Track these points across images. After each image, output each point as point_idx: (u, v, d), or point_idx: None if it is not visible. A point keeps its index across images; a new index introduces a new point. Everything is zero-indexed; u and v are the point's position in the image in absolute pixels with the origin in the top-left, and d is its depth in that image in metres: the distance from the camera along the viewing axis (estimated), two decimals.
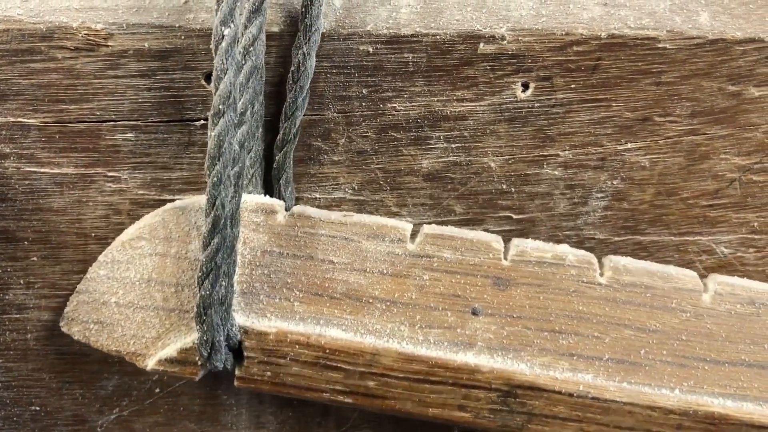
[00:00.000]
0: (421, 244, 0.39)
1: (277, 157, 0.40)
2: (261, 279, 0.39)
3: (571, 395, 0.39)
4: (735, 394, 0.39)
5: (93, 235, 0.42)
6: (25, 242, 0.42)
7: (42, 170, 0.41)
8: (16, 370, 0.44)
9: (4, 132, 0.40)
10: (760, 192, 0.42)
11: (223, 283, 0.37)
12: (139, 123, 0.40)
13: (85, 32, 0.39)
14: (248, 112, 0.38)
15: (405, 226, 0.40)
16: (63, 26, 0.39)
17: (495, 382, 0.39)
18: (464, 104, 0.41)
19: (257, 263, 0.39)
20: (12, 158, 0.41)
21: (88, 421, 0.45)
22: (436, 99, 0.41)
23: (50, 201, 0.41)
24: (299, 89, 0.39)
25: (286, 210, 0.40)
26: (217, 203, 0.36)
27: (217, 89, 0.36)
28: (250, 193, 0.40)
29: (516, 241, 0.40)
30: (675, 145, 0.42)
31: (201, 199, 0.39)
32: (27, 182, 0.41)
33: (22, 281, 0.42)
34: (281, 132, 0.40)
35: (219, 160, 0.36)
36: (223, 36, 0.36)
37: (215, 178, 0.36)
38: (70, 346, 0.44)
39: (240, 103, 0.37)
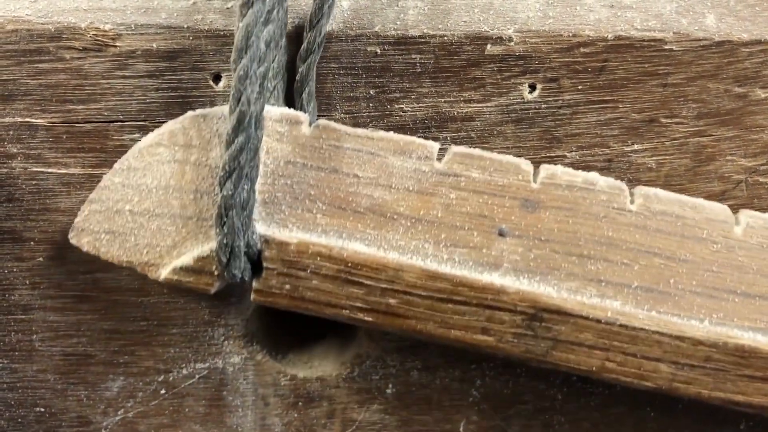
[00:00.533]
0: (449, 163, 0.38)
1: (300, 69, 0.39)
2: (283, 189, 0.38)
3: (598, 321, 0.37)
4: (766, 328, 0.38)
5: None
6: (32, 242, 0.42)
7: (49, 170, 0.41)
8: (21, 371, 0.44)
9: (11, 132, 0.40)
10: (767, 193, 0.42)
11: (245, 186, 0.36)
12: (146, 123, 0.40)
13: (94, 33, 0.39)
14: (275, 12, 0.37)
15: (433, 144, 0.39)
16: (71, 27, 0.39)
17: (521, 304, 0.38)
18: (471, 105, 0.41)
19: (280, 173, 0.38)
20: (19, 158, 0.41)
21: (93, 422, 0.45)
22: (443, 100, 0.41)
23: (57, 201, 0.41)
24: None
25: (310, 123, 0.39)
26: (242, 99, 0.35)
27: None
28: (272, 105, 0.39)
29: (546, 166, 0.39)
30: (681, 147, 0.42)
31: (224, 108, 0.38)
32: (34, 182, 0.41)
33: (27, 282, 0.42)
34: (305, 42, 0.39)
35: (246, 53, 0.35)
36: None
37: (242, 72, 0.35)
38: (75, 348, 0.43)
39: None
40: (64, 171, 0.41)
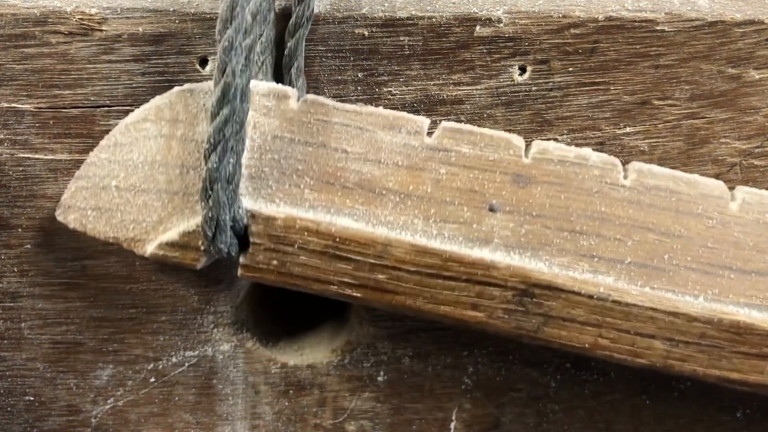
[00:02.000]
0: (439, 138, 0.38)
1: (289, 44, 0.39)
2: (270, 164, 0.38)
3: (590, 297, 0.37)
4: (762, 304, 0.37)
5: None
6: (19, 229, 0.42)
7: (36, 156, 0.41)
8: (10, 360, 0.44)
9: None
10: (762, 177, 0.42)
11: (231, 159, 0.36)
12: (133, 108, 0.40)
13: (79, 17, 0.39)
14: None
15: (422, 119, 0.38)
16: (57, 11, 0.39)
17: (511, 279, 0.37)
18: (461, 88, 0.40)
19: (267, 148, 0.38)
20: (6, 144, 0.40)
21: (83, 411, 0.44)
22: (432, 83, 0.40)
23: (44, 187, 0.41)
24: None
25: (298, 98, 0.38)
26: (227, 70, 0.35)
27: None
28: (260, 80, 0.39)
29: (538, 141, 0.38)
30: (674, 129, 0.41)
31: (211, 84, 0.38)
32: (21, 168, 0.41)
33: (15, 269, 0.42)
34: (293, 16, 0.38)
35: (231, 23, 0.35)
36: None
37: (226, 43, 0.35)
38: (64, 336, 0.43)
39: None
40: (51, 157, 0.41)
